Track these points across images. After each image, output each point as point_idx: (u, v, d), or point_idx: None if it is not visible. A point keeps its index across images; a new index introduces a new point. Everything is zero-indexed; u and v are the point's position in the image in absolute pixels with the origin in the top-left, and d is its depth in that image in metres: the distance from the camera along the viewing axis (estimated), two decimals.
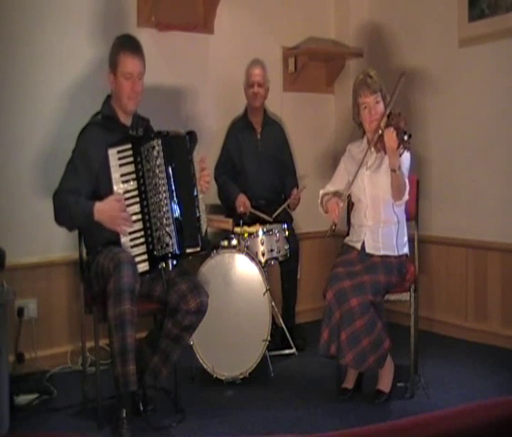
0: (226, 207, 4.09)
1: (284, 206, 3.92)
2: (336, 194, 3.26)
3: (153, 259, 2.90)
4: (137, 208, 2.93)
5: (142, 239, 2.91)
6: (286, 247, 3.75)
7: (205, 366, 3.39)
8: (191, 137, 3.01)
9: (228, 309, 3.40)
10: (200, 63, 4.28)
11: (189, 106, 4.23)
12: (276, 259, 3.73)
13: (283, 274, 4.07)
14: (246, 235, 3.63)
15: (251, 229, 3.68)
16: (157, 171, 2.88)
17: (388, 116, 3.08)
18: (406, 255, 3.26)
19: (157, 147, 2.88)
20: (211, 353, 3.38)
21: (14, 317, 3.53)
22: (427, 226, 4.23)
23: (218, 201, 4.14)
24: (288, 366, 3.76)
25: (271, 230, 3.69)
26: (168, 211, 2.88)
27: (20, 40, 3.58)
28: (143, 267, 2.89)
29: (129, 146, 2.94)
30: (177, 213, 2.90)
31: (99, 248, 2.92)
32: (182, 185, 2.93)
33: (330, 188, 3.35)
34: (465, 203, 4.17)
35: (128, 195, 2.92)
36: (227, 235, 3.64)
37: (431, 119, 4.35)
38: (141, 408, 2.93)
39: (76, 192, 2.88)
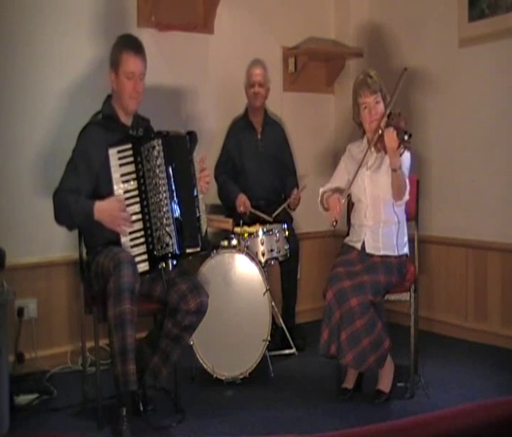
0: (226, 206, 4.09)
1: (284, 205, 3.92)
2: (337, 190, 3.25)
3: (153, 259, 2.90)
4: (137, 207, 2.93)
5: (142, 239, 2.91)
6: (286, 247, 3.75)
7: (205, 366, 3.39)
8: (191, 137, 3.01)
9: (228, 309, 3.40)
10: (200, 63, 4.28)
11: (189, 107, 4.23)
12: (276, 259, 3.73)
13: (283, 274, 4.07)
14: (246, 235, 3.63)
15: (251, 229, 3.68)
16: (157, 171, 2.88)
17: (388, 116, 3.08)
18: (406, 255, 3.26)
19: (157, 147, 2.88)
20: (211, 353, 3.38)
21: (14, 317, 3.53)
22: (427, 226, 4.23)
23: (218, 201, 4.14)
24: (288, 366, 3.76)
25: (271, 230, 3.69)
26: (168, 211, 2.88)
27: (20, 40, 3.58)
28: (143, 267, 2.89)
29: (130, 146, 2.94)
30: (177, 213, 2.90)
31: (99, 247, 2.92)
32: (182, 185, 2.94)
33: (330, 186, 3.35)
34: (465, 203, 4.17)
35: (128, 195, 2.92)
36: (227, 235, 3.64)
37: (431, 119, 4.35)
38: (141, 408, 2.93)
39: (77, 191, 2.88)
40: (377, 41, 4.71)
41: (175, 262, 2.94)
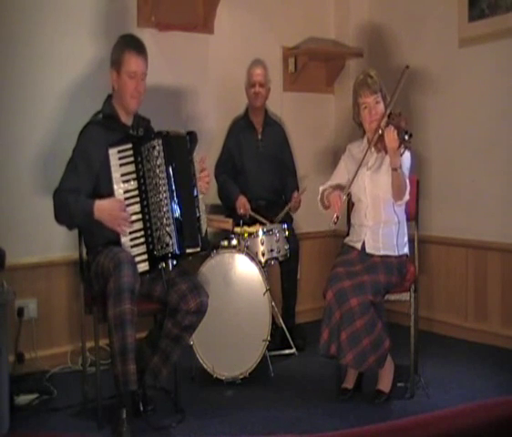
0: (226, 206, 4.09)
1: (286, 210, 3.91)
2: (338, 187, 3.25)
3: (153, 259, 2.90)
4: (137, 207, 2.93)
5: (142, 239, 2.91)
6: (286, 247, 3.75)
7: (205, 366, 3.39)
8: (192, 137, 3.01)
9: (228, 309, 3.40)
10: (200, 63, 4.28)
11: (189, 107, 4.23)
12: (276, 259, 3.73)
13: (283, 274, 4.07)
14: (246, 235, 3.63)
15: (251, 229, 3.68)
16: (157, 171, 2.88)
17: (388, 117, 3.08)
18: (406, 255, 3.26)
19: (157, 147, 2.88)
20: (211, 353, 3.38)
21: (14, 317, 3.53)
22: (427, 226, 4.23)
23: (218, 201, 4.15)
24: (288, 366, 3.76)
25: (271, 230, 3.69)
26: (168, 211, 2.88)
27: (20, 40, 3.58)
28: (143, 267, 2.89)
29: (130, 145, 2.94)
30: (177, 213, 2.90)
31: (99, 247, 2.92)
32: (182, 185, 2.94)
33: (330, 184, 3.34)
34: (465, 203, 4.17)
35: (128, 195, 2.92)
36: (227, 235, 3.64)
37: (431, 119, 4.35)
38: (141, 408, 2.93)
39: (77, 191, 2.88)
40: (377, 41, 4.71)
41: (175, 262, 2.94)
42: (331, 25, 4.91)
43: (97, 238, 2.95)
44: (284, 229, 3.75)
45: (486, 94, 4.04)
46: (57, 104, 3.71)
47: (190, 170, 2.98)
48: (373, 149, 3.15)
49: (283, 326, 3.92)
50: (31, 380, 3.37)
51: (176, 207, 2.90)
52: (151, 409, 3.05)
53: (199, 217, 2.97)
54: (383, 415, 2.99)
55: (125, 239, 2.89)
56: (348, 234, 3.38)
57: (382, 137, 3.04)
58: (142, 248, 2.91)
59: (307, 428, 2.88)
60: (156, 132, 3.03)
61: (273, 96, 4.27)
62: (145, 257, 2.90)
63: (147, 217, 2.91)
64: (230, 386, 3.40)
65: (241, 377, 3.41)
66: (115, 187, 2.90)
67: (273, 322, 3.61)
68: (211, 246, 3.41)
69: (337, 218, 3.05)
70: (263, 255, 3.64)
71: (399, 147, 2.93)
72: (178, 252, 2.88)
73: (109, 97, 3.07)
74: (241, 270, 3.45)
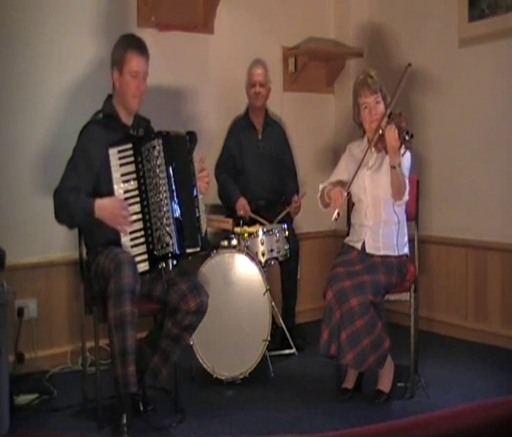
0: (226, 206, 4.09)
1: (284, 213, 3.90)
2: (339, 184, 3.24)
3: (153, 259, 2.90)
4: (137, 207, 2.93)
5: (142, 239, 2.91)
6: (286, 247, 3.75)
7: (205, 366, 3.39)
8: (191, 137, 3.02)
9: (228, 309, 3.40)
10: (200, 63, 4.28)
11: (189, 107, 4.23)
12: (276, 259, 3.73)
13: (283, 274, 4.07)
14: (246, 235, 3.63)
15: (251, 229, 3.68)
16: (157, 171, 2.88)
17: (389, 117, 3.08)
18: (406, 255, 3.26)
19: (157, 147, 2.88)
20: (211, 353, 3.38)
21: (14, 317, 3.53)
22: (427, 226, 4.23)
23: (218, 201, 4.15)
24: (288, 366, 3.76)
25: (271, 230, 3.69)
26: (168, 211, 2.88)
27: (20, 40, 3.58)
28: (143, 267, 2.89)
29: (130, 145, 2.94)
30: (177, 213, 2.90)
31: (99, 248, 2.92)
32: (182, 185, 2.94)
33: (330, 181, 3.33)
34: (465, 203, 4.17)
35: (128, 194, 2.92)
36: (227, 235, 3.64)
37: (431, 119, 4.35)
38: (141, 408, 2.93)
39: (77, 190, 2.88)
40: (377, 41, 4.71)
41: (175, 262, 2.94)
42: (331, 25, 4.91)
43: (97, 237, 2.95)
44: (284, 229, 3.75)
45: (486, 94, 4.04)
46: (57, 104, 3.71)
47: (190, 170, 2.98)
48: (373, 149, 3.15)
49: (283, 326, 3.92)
50: (31, 380, 3.37)
51: (176, 207, 2.90)
52: (151, 409, 3.05)
53: (198, 217, 2.98)
54: (383, 415, 2.99)
55: (125, 239, 2.89)
56: (348, 234, 3.38)
57: (382, 137, 3.03)
58: (142, 248, 2.91)
59: (307, 428, 2.88)
60: (156, 132, 3.03)
61: (273, 96, 4.27)
62: (145, 257, 2.90)
63: (147, 217, 2.91)
64: (230, 386, 3.40)
65: (241, 377, 3.41)
66: (115, 187, 2.90)
67: (273, 322, 3.61)
68: (211, 246, 3.41)
69: (338, 214, 3.04)
70: (263, 255, 3.64)
71: (400, 146, 2.93)
72: (178, 252, 2.88)
73: (109, 97, 3.07)
74: (241, 270, 3.45)
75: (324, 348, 3.03)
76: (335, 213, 3.04)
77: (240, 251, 3.47)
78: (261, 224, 3.82)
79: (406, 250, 3.25)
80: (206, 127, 4.17)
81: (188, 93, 4.21)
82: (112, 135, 2.96)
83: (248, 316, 3.42)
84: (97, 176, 2.93)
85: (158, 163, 2.88)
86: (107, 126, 3.00)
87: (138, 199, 2.93)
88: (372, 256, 3.17)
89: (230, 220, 3.68)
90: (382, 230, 3.19)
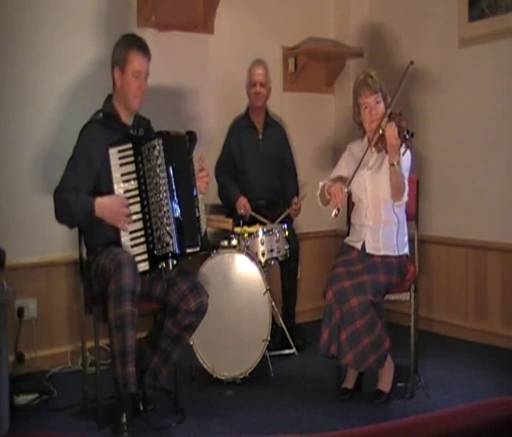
0: (226, 206, 4.09)
1: (284, 215, 3.89)
2: (339, 179, 3.24)
3: (153, 259, 2.90)
4: (137, 207, 2.93)
5: (142, 239, 2.91)
6: (286, 247, 3.75)
7: (205, 366, 3.39)
8: (191, 136, 3.02)
9: (228, 309, 3.40)
10: (200, 63, 4.28)
11: (189, 107, 4.23)
12: (276, 259, 3.73)
13: (283, 274, 4.07)
14: (246, 235, 3.63)
15: (251, 229, 3.68)
16: (157, 171, 2.88)
17: (389, 117, 3.08)
18: (406, 255, 3.26)
19: (158, 147, 2.88)
20: (211, 353, 3.38)
21: (14, 317, 3.53)
22: (427, 226, 4.23)
23: (218, 201, 4.15)
24: (288, 366, 3.76)
25: (271, 230, 3.69)
26: (168, 211, 2.88)
27: (20, 40, 3.58)
28: (143, 266, 2.89)
29: (130, 145, 2.94)
30: (177, 213, 2.90)
31: (99, 248, 2.92)
32: (182, 184, 2.94)
33: (330, 178, 3.33)
34: (465, 203, 4.17)
35: (128, 194, 2.92)
36: (227, 235, 3.64)
37: (431, 119, 4.35)
38: (141, 408, 2.94)
39: (77, 189, 2.88)
40: (377, 41, 4.71)
41: (175, 262, 2.94)
42: (331, 25, 4.91)
43: (97, 237, 2.95)
44: (284, 229, 3.75)
45: (486, 94, 4.04)
46: (57, 104, 3.71)
47: (190, 170, 2.98)
48: (373, 149, 3.15)
49: (283, 326, 3.92)
50: (31, 380, 3.37)
51: (176, 206, 2.90)
52: (151, 409, 3.05)
53: (198, 216, 2.98)
54: (383, 415, 2.99)
55: (125, 239, 2.89)
56: (348, 234, 3.38)
57: (382, 136, 3.03)
58: (142, 248, 2.91)
59: (307, 428, 2.88)
60: (156, 132, 3.04)
61: (273, 96, 4.27)
62: (145, 256, 2.90)
63: (147, 216, 2.91)
64: (230, 386, 3.40)
65: (241, 377, 3.41)
66: (115, 186, 2.90)
67: (273, 322, 3.61)
68: (211, 246, 3.41)
69: (338, 210, 3.03)
70: (263, 255, 3.64)
71: (400, 145, 2.93)
72: (178, 252, 2.88)
73: (109, 97, 3.07)
74: (241, 270, 3.44)
75: (324, 348, 3.03)
76: (335, 209, 3.03)
77: (240, 251, 3.47)
78: (261, 223, 3.82)
79: (406, 250, 3.25)
80: (206, 127, 4.17)
81: (188, 93, 4.21)
82: (112, 134, 2.96)
83: (248, 316, 3.42)
84: (98, 175, 2.93)
85: (159, 163, 2.88)
86: (107, 125, 3.00)
87: (138, 199, 2.93)
88: (372, 256, 3.17)
89: (230, 220, 3.68)
90: (382, 230, 3.19)
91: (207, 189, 3.11)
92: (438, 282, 4.34)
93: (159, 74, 3.89)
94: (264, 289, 3.42)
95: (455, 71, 4.20)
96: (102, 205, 2.86)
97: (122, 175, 2.92)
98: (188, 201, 2.95)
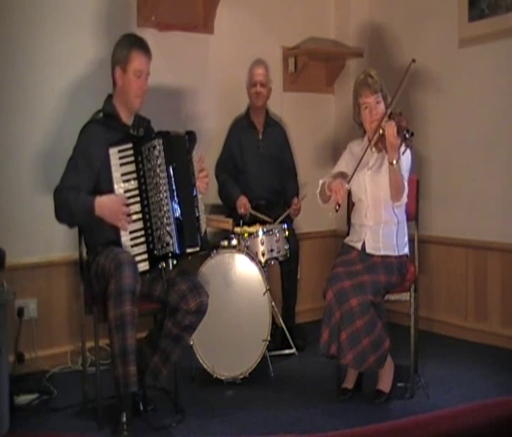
0: (226, 206, 4.09)
1: (284, 216, 3.89)
2: (340, 175, 3.23)
3: (153, 259, 2.90)
4: (137, 207, 2.93)
5: (142, 239, 2.91)
6: (286, 247, 3.75)
7: (205, 366, 3.39)
8: (191, 136, 3.02)
9: (228, 309, 3.40)
10: (200, 63, 4.28)
11: (189, 107, 4.23)
12: (276, 259, 3.73)
13: (283, 274, 4.07)
14: (246, 235, 3.63)
15: (251, 229, 3.68)
16: (157, 171, 2.88)
17: (389, 116, 3.08)
18: (407, 255, 3.25)
19: (158, 147, 2.88)
20: (211, 353, 3.38)
21: (14, 317, 3.53)
22: (427, 226, 4.23)
23: (218, 201, 4.15)
24: (288, 366, 3.76)
25: (271, 230, 3.69)
26: (168, 211, 2.88)
27: (20, 40, 3.58)
28: (143, 266, 2.89)
29: (130, 145, 2.94)
30: (177, 213, 2.90)
31: (99, 248, 2.92)
32: (182, 184, 2.94)
33: (330, 178, 3.32)
34: (465, 203, 4.17)
35: (128, 194, 2.92)
36: (227, 235, 3.64)
37: (431, 119, 4.35)
38: (141, 408, 2.94)
39: (77, 188, 2.88)
40: (377, 41, 4.71)
41: (175, 262, 2.94)
42: (331, 25, 4.91)
43: (97, 237, 2.95)
44: (284, 229, 3.75)
45: (486, 94, 4.04)
46: (57, 104, 3.71)
47: (190, 170, 2.98)
48: (373, 149, 3.14)
49: (283, 326, 3.92)
50: (31, 380, 3.37)
51: (176, 206, 2.90)
52: (151, 409, 3.05)
53: (198, 216, 2.98)
54: (383, 415, 2.99)
55: (125, 239, 2.90)
56: (348, 234, 3.38)
57: (382, 136, 3.03)
58: (142, 248, 2.91)
59: (307, 428, 2.88)
60: (156, 132, 3.04)
61: (273, 96, 4.27)
62: (145, 256, 2.90)
63: (147, 216, 2.92)
64: (230, 386, 3.40)
65: (241, 377, 3.41)
66: (115, 186, 2.91)
67: (273, 322, 3.61)
68: (211, 246, 3.41)
69: (338, 205, 3.02)
70: (263, 255, 3.64)
71: (400, 144, 2.93)
72: (178, 252, 2.88)
73: (110, 97, 3.07)
74: (241, 270, 3.44)
75: (324, 348, 3.03)
76: (336, 204, 3.02)
77: (240, 251, 3.47)
78: (262, 222, 3.82)
79: (406, 250, 3.25)
80: (206, 127, 4.17)
81: (188, 93, 4.21)
82: (112, 134, 2.97)
83: (248, 316, 3.42)
84: (98, 175, 2.93)
85: (159, 163, 2.88)
86: (107, 125, 3.00)
87: (138, 199, 2.93)
88: (372, 256, 3.16)
89: (230, 220, 3.68)
90: (382, 230, 3.19)
91: (207, 189, 3.11)
92: (438, 282, 4.34)
93: (159, 74, 3.89)
94: (264, 289, 3.42)
95: (455, 71, 4.20)
96: (102, 204, 2.86)
97: (122, 175, 2.92)
98: (188, 201, 2.95)
